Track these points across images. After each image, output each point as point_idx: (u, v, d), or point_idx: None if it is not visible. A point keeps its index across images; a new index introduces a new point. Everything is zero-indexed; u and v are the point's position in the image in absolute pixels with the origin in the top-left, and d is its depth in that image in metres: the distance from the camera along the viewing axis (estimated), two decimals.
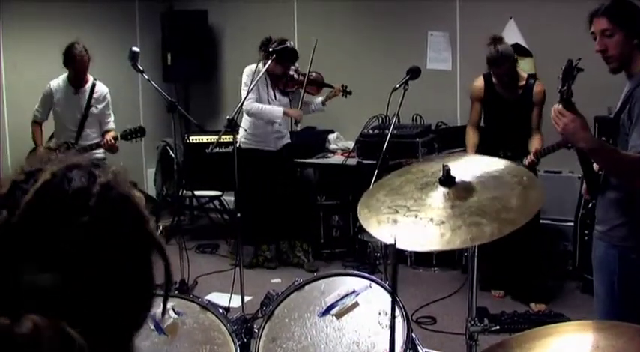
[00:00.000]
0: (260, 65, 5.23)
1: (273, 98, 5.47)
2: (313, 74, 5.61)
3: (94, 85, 5.29)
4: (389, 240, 2.00)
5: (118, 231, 0.80)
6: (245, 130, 5.43)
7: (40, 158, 0.84)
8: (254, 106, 5.32)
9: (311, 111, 5.75)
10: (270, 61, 4.75)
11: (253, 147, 5.48)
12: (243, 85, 5.31)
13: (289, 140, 5.75)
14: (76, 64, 5.09)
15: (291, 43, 4.85)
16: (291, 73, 5.48)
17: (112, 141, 5.17)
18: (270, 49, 4.94)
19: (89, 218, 0.78)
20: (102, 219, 0.79)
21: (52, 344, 0.71)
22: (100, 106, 5.30)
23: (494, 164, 2.23)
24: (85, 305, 0.76)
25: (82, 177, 0.81)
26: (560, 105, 2.53)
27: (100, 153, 5.36)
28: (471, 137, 4.91)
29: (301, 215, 5.77)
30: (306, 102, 5.65)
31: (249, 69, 5.33)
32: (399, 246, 1.89)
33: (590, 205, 3.03)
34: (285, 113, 5.39)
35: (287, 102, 5.58)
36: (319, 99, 5.66)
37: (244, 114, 5.43)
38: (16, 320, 0.71)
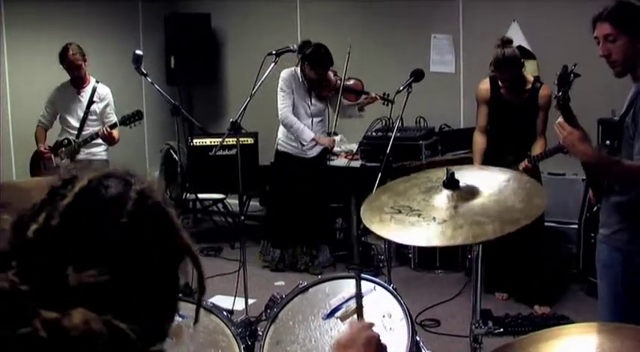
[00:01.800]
0: (297, 69, 5.30)
1: (310, 103, 5.45)
2: (351, 81, 5.51)
3: (95, 87, 5.35)
4: (390, 238, 2.02)
5: (154, 234, 0.83)
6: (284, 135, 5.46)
7: (72, 168, 0.87)
8: (289, 118, 5.32)
9: (347, 117, 5.70)
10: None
11: (289, 152, 5.51)
12: (279, 89, 5.32)
13: None
14: (67, 63, 5.17)
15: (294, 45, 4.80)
16: (329, 78, 5.42)
17: (109, 129, 5.19)
18: (301, 54, 4.88)
19: (127, 220, 0.80)
20: (139, 222, 0.82)
21: (102, 335, 0.74)
22: (100, 105, 5.35)
23: (497, 173, 2.26)
24: (125, 301, 0.79)
25: (119, 184, 0.84)
26: (561, 119, 2.55)
27: (102, 155, 5.38)
28: (478, 143, 4.80)
29: (319, 219, 5.75)
30: (346, 106, 5.57)
31: (285, 72, 5.32)
32: (400, 241, 1.90)
33: (595, 208, 3.03)
34: (314, 140, 5.34)
35: (323, 108, 5.58)
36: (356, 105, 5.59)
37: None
38: (64, 314, 0.74)
